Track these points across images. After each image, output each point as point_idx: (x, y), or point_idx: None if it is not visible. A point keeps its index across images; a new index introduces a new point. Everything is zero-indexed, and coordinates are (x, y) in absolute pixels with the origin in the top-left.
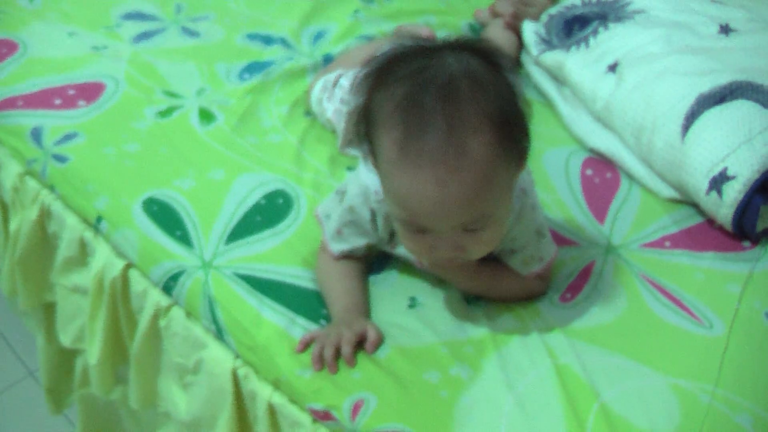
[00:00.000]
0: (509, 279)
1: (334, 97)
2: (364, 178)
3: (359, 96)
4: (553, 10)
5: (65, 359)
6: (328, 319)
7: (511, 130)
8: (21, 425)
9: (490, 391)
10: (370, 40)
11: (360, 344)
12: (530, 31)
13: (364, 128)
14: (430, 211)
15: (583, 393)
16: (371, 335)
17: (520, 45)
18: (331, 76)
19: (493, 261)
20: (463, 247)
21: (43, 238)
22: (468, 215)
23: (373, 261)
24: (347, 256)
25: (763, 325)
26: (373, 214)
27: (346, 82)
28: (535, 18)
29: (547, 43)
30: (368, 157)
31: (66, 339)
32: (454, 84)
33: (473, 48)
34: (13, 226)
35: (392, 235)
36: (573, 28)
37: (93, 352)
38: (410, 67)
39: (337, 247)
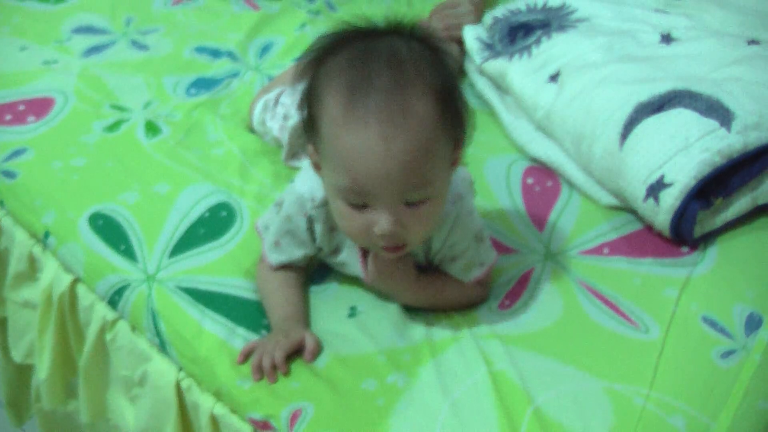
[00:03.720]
0: (450, 288)
1: (277, 115)
2: (299, 187)
3: (303, 75)
4: (499, 13)
5: (22, 374)
6: (268, 329)
7: (451, 105)
8: None
9: (425, 399)
10: None
11: (299, 353)
12: (472, 37)
13: (307, 103)
14: (375, 170)
15: (517, 398)
16: (309, 344)
17: (463, 53)
18: (271, 95)
19: (432, 272)
20: (403, 223)
21: None
22: (412, 178)
23: (313, 271)
24: (286, 266)
25: (699, 328)
26: (310, 223)
27: (287, 99)
28: (473, 22)
29: (490, 48)
30: (310, 137)
31: (17, 354)
32: (396, 52)
33: (413, 31)
34: None
35: (332, 244)
36: (517, 36)
37: (42, 367)
38: (354, 45)
39: (276, 258)
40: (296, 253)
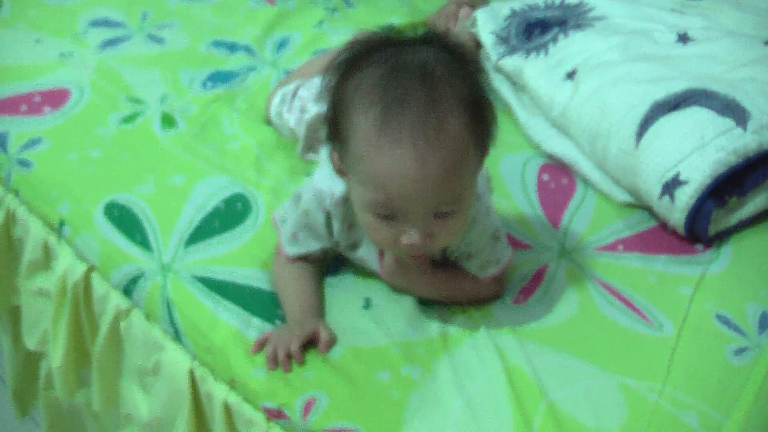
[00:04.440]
0: (466, 283)
1: (294, 108)
2: (318, 183)
3: (329, 85)
4: (516, 6)
5: (31, 363)
6: (283, 319)
7: (481, 114)
8: None
9: (439, 392)
10: (326, 52)
11: (313, 344)
12: (488, 31)
13: (333, 115)
14: (409, 189)
15: (531, 393)
16: (323, 335)
17: (477, 48)
18: (289, 88)
19: (449, 266)
20: (432, 234)
21: (8, 242)
22: (444, 195)
23: (329, 263)
24: (302, 258)
25: (713, 325)
26: (328, 218)
27: (304, 92)
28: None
29: (506, 42)
30: (335, 146)
31: (31, 342)
32: (428, 67)
33: (440, 40)
34: None
35: (350, 239)
36: (533, 32)
37: (56, 355)
38: (383, 54)
39: (293, 250)
40: (313, 245)
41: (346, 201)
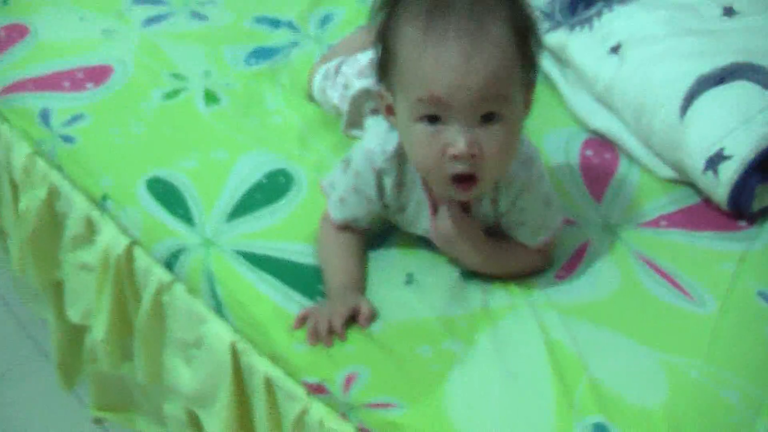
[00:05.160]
0: (515, 253)
1: (337, 84)
2: (368, 143)
3: (378, 13)
4: None
5: (75, 336)
6: (323, 295)
7: (527, 44)
8: (32, 403)
9: (481, 366)
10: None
11: (354, 319)
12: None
13: (382, 38)
14: (455, 80)
15: (572, 367)
16: (364, 310)
17: None
18: (331, 64)
19: (498, 236)
20: (477, 143)
21: (52, 217)
22: (489, 90)
23: (374, 236)
24: (349, 227)
25: (755, 303)
26: (379, 177)
27: (347, 69)
28: None
29: (551, 18)
30: (383, 83)
31: (74, 315)
32: None
33: None
34: (22, 205)
35: (400, 200)
36: (578, 7)
37: (99, 328)
38: None
39: (340, 214)
40: (361, 210)
41: (397, 155)
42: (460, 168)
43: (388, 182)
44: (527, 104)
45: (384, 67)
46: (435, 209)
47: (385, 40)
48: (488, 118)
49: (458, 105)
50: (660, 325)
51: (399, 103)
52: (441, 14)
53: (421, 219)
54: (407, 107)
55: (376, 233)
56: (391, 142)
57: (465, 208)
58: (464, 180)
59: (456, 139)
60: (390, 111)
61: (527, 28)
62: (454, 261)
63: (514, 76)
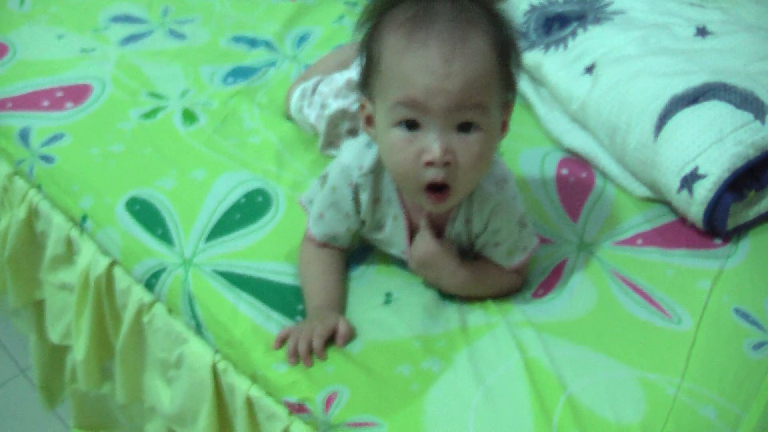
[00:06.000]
0: (490, 274)
1: (314, 103)
2: (345, 159)
3: (363, 24)
4: (535, 1)
5: (57, 356)
6: (303, 315)
7: (507, 62)
8: (13, 423)
9: (459, 385)
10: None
11: (332, 338)
12: None
13: (367, 47)
14: (433, 84)
15: (550, 386)
16: (342, 329)
17: None
18: (308, 84)
19: (474, 259)
20: (452, 150)
21: (32, 236)
22: (466, 97)
23: (350, 258)
24: (329, 245)
25: (731, 320)
26: (356, 192)
27: (324, 88)
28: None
29: (525, 37)
30: (365, 92)
31: (55, 335)
32: (460, 3)
33: None
34: (2, 225)
35: (376, 217)
36: (552, 27)
37: (80, 348)
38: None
39: (320, 231)
40: (339, 227)
41: (373, 171)
42: (433, 174)
43: (365, 197)
44: (504, 126)
45: (366, 76)
46: (412, 235)
47: (369, 49)
48: (465, 128)
49: (436, 108)
50: (637, 343)
51: (379, 110)
52: (424, 24)
53: (397, 239)
54: (386, 113)
55: (356, 253)
56: (368, 158)
57: (439, 231)
58: (437, 189)
59: (431, 145)
60: (369, 122)
61: (509, 44)
62: (430, 284)
63: (492, 87)
